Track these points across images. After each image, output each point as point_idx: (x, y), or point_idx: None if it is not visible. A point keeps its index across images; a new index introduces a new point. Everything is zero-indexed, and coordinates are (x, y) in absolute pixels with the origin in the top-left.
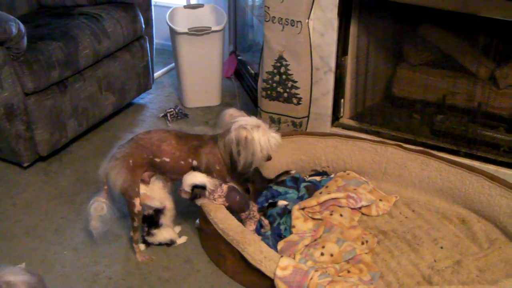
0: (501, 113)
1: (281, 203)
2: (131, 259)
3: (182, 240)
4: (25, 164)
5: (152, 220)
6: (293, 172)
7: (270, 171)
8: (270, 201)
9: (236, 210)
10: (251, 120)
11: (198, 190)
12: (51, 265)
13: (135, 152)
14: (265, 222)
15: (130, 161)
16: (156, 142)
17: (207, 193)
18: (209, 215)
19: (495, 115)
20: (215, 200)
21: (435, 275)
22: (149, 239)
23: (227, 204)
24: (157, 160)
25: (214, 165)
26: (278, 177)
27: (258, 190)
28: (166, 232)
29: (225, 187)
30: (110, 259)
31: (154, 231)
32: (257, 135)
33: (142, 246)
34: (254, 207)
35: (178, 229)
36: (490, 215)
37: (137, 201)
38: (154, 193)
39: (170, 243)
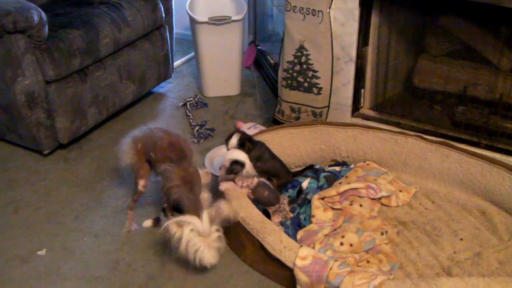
0: None
1: (305, 184)
2: (151, 247)
3: None
4: (46, 152)
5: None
6: (317, 166)
7: (290, 159)
8: (308, 197)
9: (264, 204)
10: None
11: (236, 166)
12: (71, 252)
13: (144, 139)
14: (290, 215)
15: (139, 145)
16: (156, 140)
17: (244, 171)
18: (230, 203)
19: None
20: (241, 188)
21: (454, 267)
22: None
23: (252, 197)
24: (152, 155)
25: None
26: (303, 171)
27: (283, 183)
28: None
29: (255, 180)
30: (130, 246)
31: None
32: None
33: (148, 222)
34: (284, 201)
35: None
36: (510, 207)
37: (140, 182)
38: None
39: None
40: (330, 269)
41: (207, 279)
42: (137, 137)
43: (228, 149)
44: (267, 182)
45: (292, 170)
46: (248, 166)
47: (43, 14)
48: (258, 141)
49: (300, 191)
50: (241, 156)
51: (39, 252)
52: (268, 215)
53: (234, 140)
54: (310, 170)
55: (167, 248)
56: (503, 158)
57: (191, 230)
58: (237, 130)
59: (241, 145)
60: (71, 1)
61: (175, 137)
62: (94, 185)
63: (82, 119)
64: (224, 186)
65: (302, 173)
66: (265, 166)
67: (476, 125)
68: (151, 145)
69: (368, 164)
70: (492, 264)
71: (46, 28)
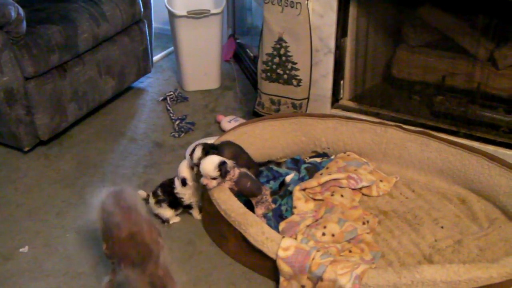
0: (500, 94)
1: (289, 177)
2: None
3: (176, 219)
4: (26, 149)
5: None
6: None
7: (271, 151)
8: (289, 189)
9: (247, 195)
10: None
11: (224, 166)
12: (54, 248)
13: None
14: (272, 206)
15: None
16: (112, 228)
17: (229, 168)
18: (212, 196)
19: (494, 96)
20: (224, 182)
21: (435, 255)
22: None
23: (236, 189)
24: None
25: None
26: (268, 162)
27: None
28: (169, 212)
29: (237, 171)
30: None
31: (164, 205)
32: None
33: (143, 193)
34: (267, 191)
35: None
36: (490, 195)
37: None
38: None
39: (165, 221)
40: (313, 259)
41: (190, 272)
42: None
43: (194, 163)
44: (248, 172)
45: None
46: (227, 161)
47: (21, 10)
48: (224, 142)
49: (283, 183)
50: (217, 158)
51: (21, 250)
52: (252, 209)
53: (198, 151)
54: (272, 163)
55: None
56: (481, 147)
57: None
58: (199, 143)
59: (206, 154)
60: None
61: (138, 226)
62: (75, 181)
63: (62, 115)
64: (206, 180)
65: (266, 164)
66: (242, 161)
67: (454, 115)
68: (105, 233)
69: (348, 155)
70: (472, 251)
71: (24, 24)
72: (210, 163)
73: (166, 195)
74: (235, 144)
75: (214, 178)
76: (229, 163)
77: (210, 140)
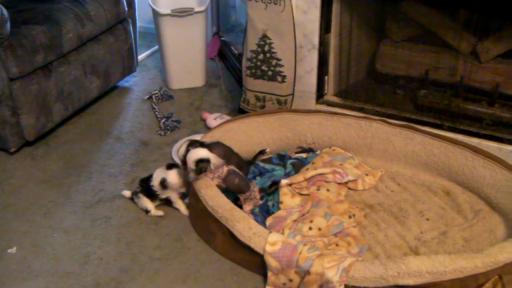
0: (483, 87)
1: (284, 182)
2: (122, 240)
3: (159, 212)
4: (12, 150)
5: (150, 189)
6: (267, 150)
7: (257, 147)
8: (273, 180)
9: (235, 192)
10: None
11: (203, 164)
12: (42, 248)
13: None
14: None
15: None
16: None
17: (212, 166)
18: (199, 192)
19: (477, 89)
20: (212, 180)
21: (421, 246)
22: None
23: (224, 186)
24: None
25: None
26: (256, 157)
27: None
28: (146, 202)
29: (225, 169)
30: (100, 240)
31: (141, 195)
32: None
33: (127, 193)
34: (255, 188)
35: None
36: (474, 187)
37: None
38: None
39: (147, 212)
40: (300, 253)
41: (179, 269)
42: None
43: (180, 159)
44: (237, 170)
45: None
46: (213, 158)
47: (5, 11)
48: (215, 142)
49: (275, 183)
50: (202, 152)
51: (9, 250)
52: (240, 207)
53: (183, 149)
54: (263, 154)
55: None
56: (465, 139)
57: None
58: (187, 139)
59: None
60: None
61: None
62: (62, 181)
63: (47, 115)
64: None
65: (256, 158)
66: (233, 162)
67: (438, 108)
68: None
69: (334, 150)
70: (457, 242)
71: (8, 24)
72: (194, 155)
73: (143, 187)
74: (224, 145)
75: (192, 171)
76: (217, 161)
77: (196, 138)
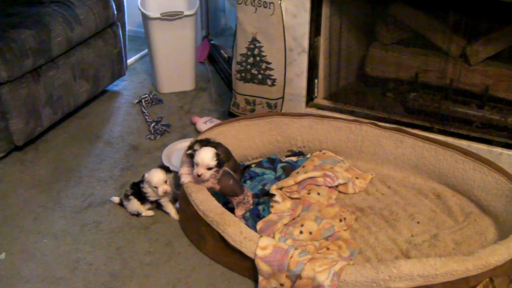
0: (473, 90)
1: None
2: (112, 245)
3: (150, 213)
4: (1, 155)
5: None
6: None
7: (247, 151)
8: (266, 188)
9: (229, 194)
10: None
11: (221, 157)
12: (31, 254)
13: None
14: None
15: None
16: None
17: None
18: (190, 196)
19: (467, 92)
20: (207, 180)
21: (412, 249)
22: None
23: (218, 187)
24: None
25: None
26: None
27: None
28: (137, 205)
29: (220, 170)
30: (90, 246)
31: (132, 197)
32: None
33: (116, 199)
34: (248, 193)
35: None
36: (464, 189)
37: None
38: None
39: (137, 215)
40: (291, 257)
41: (169, 274)
42: None
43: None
44: (231, 172)
45: (248, 162)
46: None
47: None
48: (217, 142)
49: (267, 193)
50: (210, 150)
51: None
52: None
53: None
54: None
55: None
56: (455, 142)
57: None
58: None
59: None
60: (21, 0)
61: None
62: (51, 186)
63: (36, 120)
64: (186, 179)
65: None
66: (230, 164)
67: (428, 111)
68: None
69: (324, 153)
70: (448, 245)
71: None
72: (209, 152)
73: (134, 189)
74: (225, 146)
75: (210, 168)
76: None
77: (186, 142)
